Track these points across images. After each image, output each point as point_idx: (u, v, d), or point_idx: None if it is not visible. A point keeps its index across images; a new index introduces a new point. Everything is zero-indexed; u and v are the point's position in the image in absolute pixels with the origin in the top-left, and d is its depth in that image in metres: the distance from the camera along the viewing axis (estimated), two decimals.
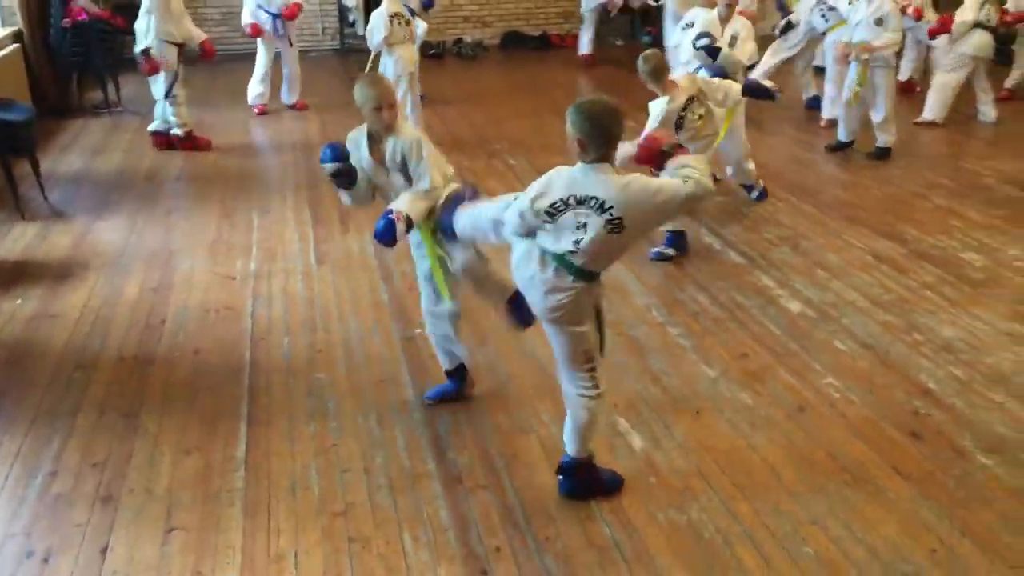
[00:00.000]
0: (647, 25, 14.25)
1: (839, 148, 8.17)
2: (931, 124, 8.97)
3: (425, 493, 3.66)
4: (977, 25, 8.70)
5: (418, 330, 5.02)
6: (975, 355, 4.65)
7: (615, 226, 3.20)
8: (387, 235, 3.82)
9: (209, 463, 3.86)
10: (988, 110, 9.09)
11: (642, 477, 3.75)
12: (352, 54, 14.02)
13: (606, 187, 3.19)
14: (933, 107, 9.00)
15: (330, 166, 3.94)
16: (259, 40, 9.70)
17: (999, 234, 6.23)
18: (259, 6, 9.51)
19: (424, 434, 4.07)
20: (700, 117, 5.77)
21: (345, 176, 3.98)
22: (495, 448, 3.95)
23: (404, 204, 3.86)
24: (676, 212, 3.63)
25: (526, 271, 3.39)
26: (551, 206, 3.25)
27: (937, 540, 3.34)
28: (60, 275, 5.80)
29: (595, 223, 3.20)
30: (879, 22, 7.58)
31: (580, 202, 3.21)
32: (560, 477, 3.64)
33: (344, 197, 4.17)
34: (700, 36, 6.73)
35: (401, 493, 3.66)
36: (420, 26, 9.21)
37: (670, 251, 5.90)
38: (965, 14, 8.71)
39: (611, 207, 3.18)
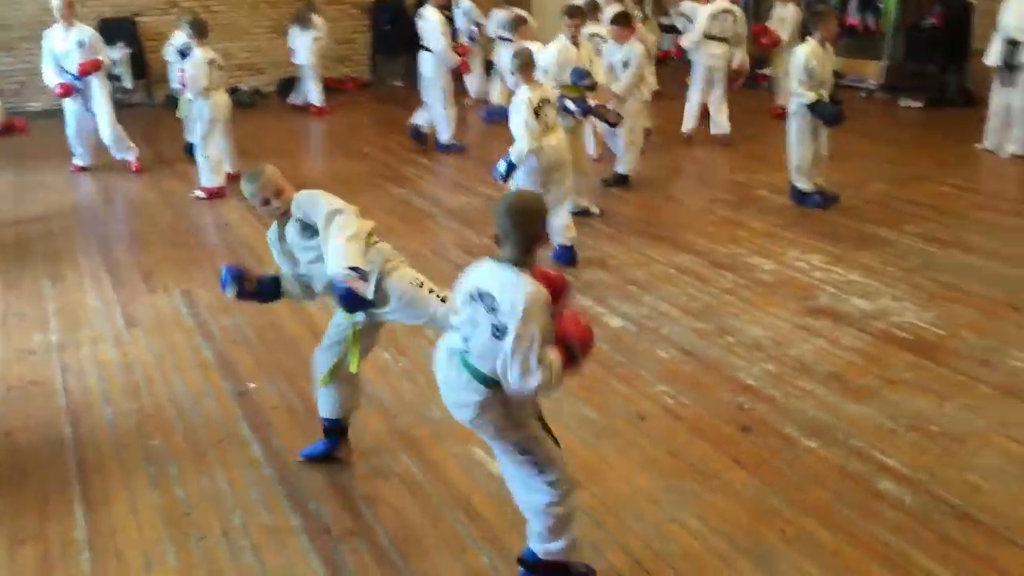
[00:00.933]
0: None
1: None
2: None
3: (293, 549, 3.56)
4: (711, 37, 9.48)
5: (252, 384, 4.90)
6: (780, 350, 5.08)
7: (498, 332, 2.90)
8: (353, 302, 3.55)
9: (48, 550, 3.57)
10: (722, 121, 9.77)
11: (507, 502, 3.80)
12: (120, 109, 13.36)
13: (503, 289, 2.89)
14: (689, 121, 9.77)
15: (230, 292, 3.81)
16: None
17: (779, 239, 6.83)
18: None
19: (280, 489, 3.96)
20: (547, 117, 6.15)
21: (256, 295, 3.88)
22: (357, 494, 3.90)
23: (338, 259, 3.53)
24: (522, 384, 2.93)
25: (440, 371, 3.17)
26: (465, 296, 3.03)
27: (784, 521, 3.63)
28: None
29: (484, 323, 2.95)
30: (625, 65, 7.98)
31: (480, 297, 2.96)
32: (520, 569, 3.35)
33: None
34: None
35: (267, 552, 3.54)
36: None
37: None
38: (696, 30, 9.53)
39: (501, 311, 2.89)
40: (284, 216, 3.79)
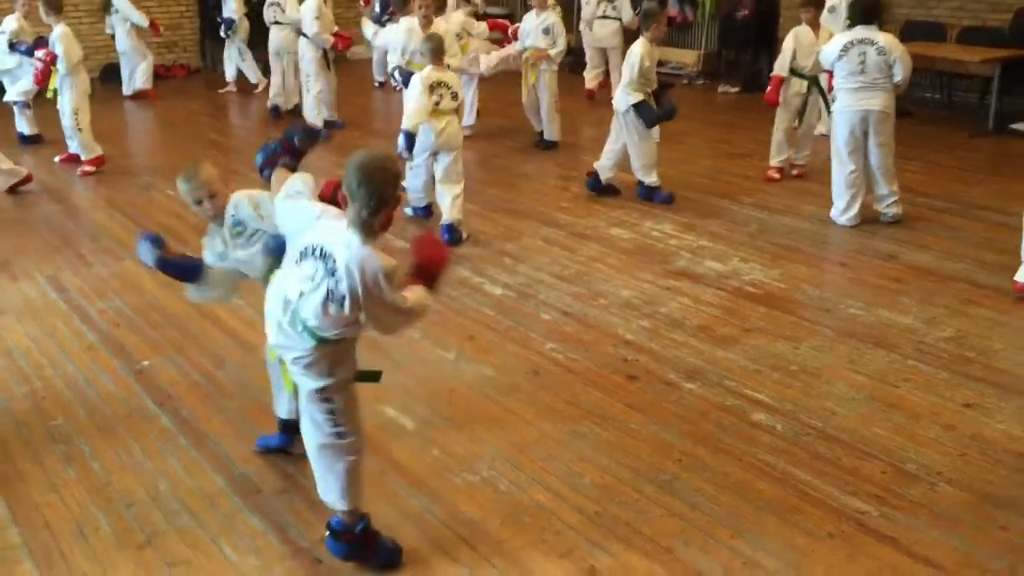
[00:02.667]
0: None
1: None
2: None
3: (227, 508, 3.66)
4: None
5: (146, 362, 4.88)
6: (651, 308, 5.54)
7: (332, 299, 2.93)
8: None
9: None
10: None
11: (426, 452, 4.06)
12: None
13: (348, 257, 2.87)
14: None
15: (149, 257, 3.70)
16: None
17: (631, 211, 7.33)
18: None
19: (199, 456, 4.02)
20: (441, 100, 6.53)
21: (176, 267, 3.80)
22: (279, 457, 4.01)
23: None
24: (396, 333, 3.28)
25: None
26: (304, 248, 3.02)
27: (679, 452, 4.05)
28: None
29: (321, 285, 2.93)
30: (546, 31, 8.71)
31: (322, 255, 2.94)
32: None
33: (194, 292, 3.88)
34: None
35: (203, 513, 3.62)
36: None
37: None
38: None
39: (340, 279, 2.88)
40: (216, 218, 3.70)
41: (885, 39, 6.58)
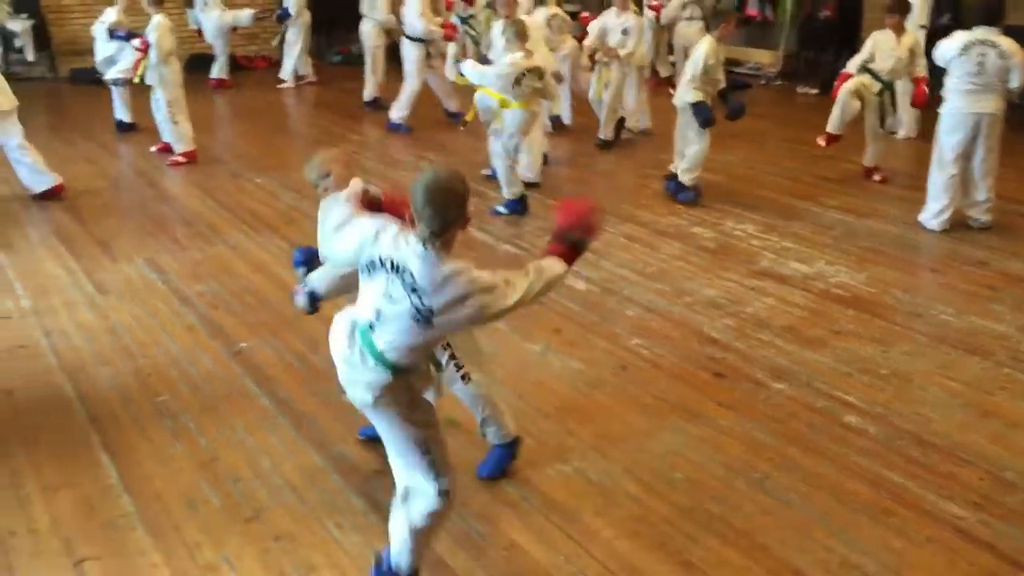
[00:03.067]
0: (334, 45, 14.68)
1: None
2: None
3: (328, 486, 3.77)
4: None
5: (244, 344, 5.02)
6: (736, 308, 5.54)
7: (420, 316, 2.70)
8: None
9: (86, 495, 3.67)
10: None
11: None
12: (21, 83, 12.90)
13: (424, 270, 2.68)
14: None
15: (301, 272, 3.66)
16: None
17: (711, 211, 7.32)
18: None
19: (298, 435, 4.14)
20: (533, 89, 6.68)
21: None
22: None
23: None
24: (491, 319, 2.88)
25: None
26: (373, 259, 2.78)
27: (772, 451, 4.05)
28: None
29: (403, 302, 2.71)
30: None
31: (395, 268, 2.72)
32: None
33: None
34: None
35: (305, 490, 3.73)
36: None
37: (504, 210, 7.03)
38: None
39: (424, 292, 2.67)
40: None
41: (1007, 43, 6.43)
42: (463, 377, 3.67)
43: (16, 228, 6.78)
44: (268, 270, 6.05)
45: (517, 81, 6.63)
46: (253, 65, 14.12)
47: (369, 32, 10.85)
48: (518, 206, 7.19)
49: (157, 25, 8.19)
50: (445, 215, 2.66)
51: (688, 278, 5.99)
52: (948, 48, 6.58)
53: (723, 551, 3.40)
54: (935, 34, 8.07)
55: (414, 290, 2.68)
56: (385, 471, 3.83)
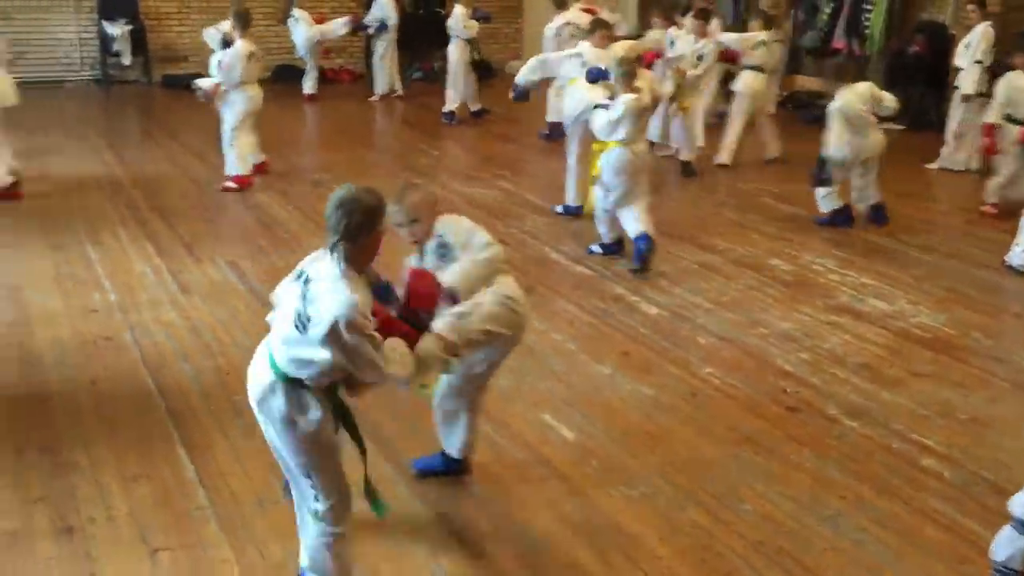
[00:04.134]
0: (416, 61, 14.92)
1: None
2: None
3: (397, 494, 3.80)
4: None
5: None
6: (812, 342, 5.45)
7: (300, 323, 2.79)
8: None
9: (164, 487, 3.78)
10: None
11: (584, 462, 4.12)
12: (116, 86, 13.40)
13: (325, 286, 2.79)
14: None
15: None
16: None
17: (791, 243, 7.24)
18: None
19: (368, 443, 4.17)
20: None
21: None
22: (438, 449, 4.15)
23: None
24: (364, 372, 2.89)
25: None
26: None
27: (843, 488, 3.98)
28: None
29: (291, 307, 2.86)
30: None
31: (303, 278, 2.88)
32: None
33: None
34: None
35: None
36: None
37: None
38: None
39: (311, 303, 2.77)
40: (417, 243, 3.61)
41: None
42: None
43: (107, 226, 7.02)
44: None
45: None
46: (339, 78, 14.40)
47: (452, 48, 11.13)
48: (614, 249, 6.80)
49: (235, 53, 8.12)
50: (349, 221, 2.77)
51: (763, 310, 5.92)
52: None
53: None
54: None
55: (304, 295, 2.79)
56: (453, 484, 3.89)
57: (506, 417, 4.46)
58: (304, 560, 3.13)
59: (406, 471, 3.97)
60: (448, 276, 3.40)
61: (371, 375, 2.86)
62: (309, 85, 12.66)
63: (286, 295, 2.93)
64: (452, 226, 3.57)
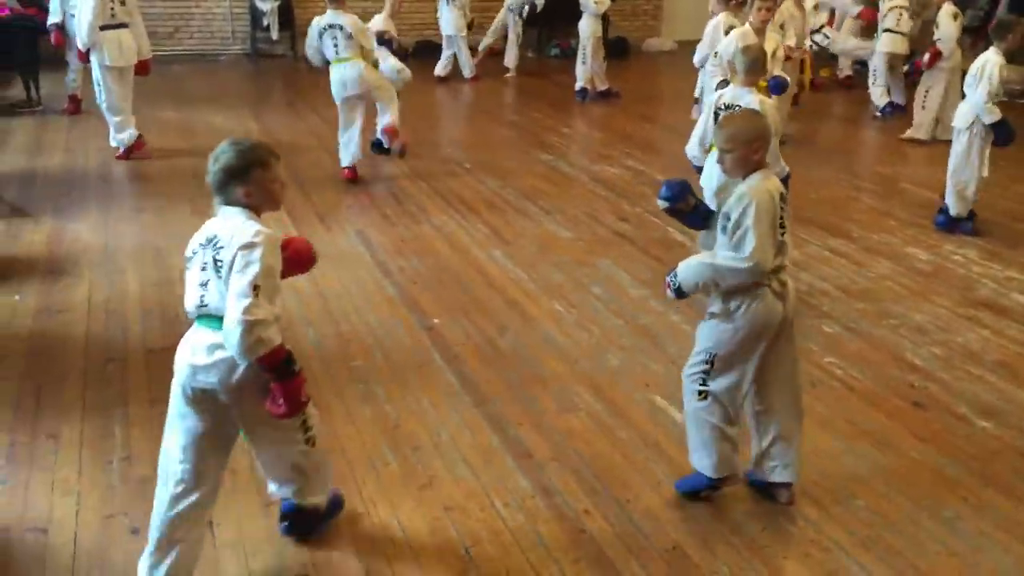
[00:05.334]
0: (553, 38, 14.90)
1: None
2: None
3: (501, 466, 3.86)
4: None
5: (436, 320, 5.22)
6: (946, 336, 5.20)
7: (219, 266, 2.81)
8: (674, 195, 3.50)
9: None
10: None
11: None
12: (264, 59, 13.94)
13: (231, 228, 2.85)
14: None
15: (663, 202, 3.57)
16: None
17: (931, 233, 6.90)
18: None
19: (478, 414, 4.27)
20: None
21: (685, 216, 3.61)
22: (550, 426, 4.18)
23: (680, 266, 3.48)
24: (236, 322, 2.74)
25: None
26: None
27: (966, 490, 3.80)
28: (49, 272, 5.68)
29: (211, 265, 2.84)
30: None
31: (208, 242, 2.87)
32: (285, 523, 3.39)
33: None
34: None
35: (479, 467, 3.85)
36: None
37: None
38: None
39: (224, 247, 2.80)
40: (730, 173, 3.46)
41: None
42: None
43: None
44: (467, 252, 6.25)
45: None
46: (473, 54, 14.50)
47: (584, 24, 11.06)
48: None
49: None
50: (229, 165, 2.91)
51: (895, 300, 5.68)
52: None
53: None
54: None
55: (217, 247, 2.83)
56: (557, 459, 3.91)
57: (615, 396, 4.45)
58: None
59: (512, 444, 4.02)
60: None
61: (239, 316, 2.72)
62: (469, 68, 12.67)
63: (197, 268, 2.92)
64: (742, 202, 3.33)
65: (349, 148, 7.71)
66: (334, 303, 5.39)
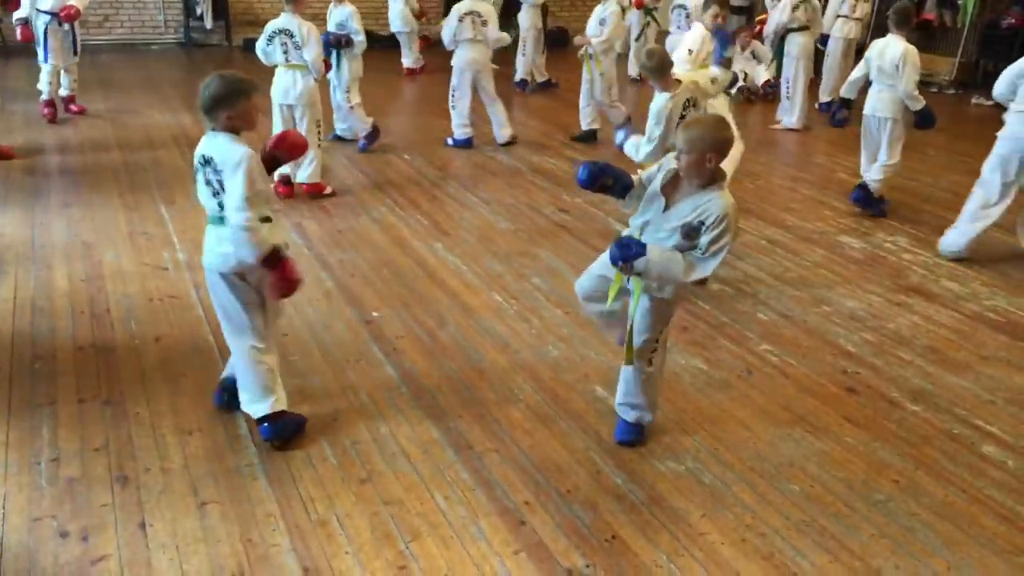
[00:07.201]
0: None
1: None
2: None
3: (440, 459, 3.84)
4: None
5: (375, 313, 5.17)
6: (877, 322, 5.31)
7: (220, 183, 3.55)
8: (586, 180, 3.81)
9: (216, 442, 3.87)
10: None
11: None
12: (197, 49, 13.68)
13: (221, 152, 3.53)
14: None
15: (584, 180, 3.82)
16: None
17: (865, 220, 7.03)
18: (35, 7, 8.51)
19: (417, 407, 4.24)
20: None
21: (604, 190, 3.84)
22: (490, 417, 4.17)
23: (655, 254, 3.56)
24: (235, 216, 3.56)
25: None
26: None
27: (897, 473, 3.88)
28: None
29: (214, 183, 3.59)
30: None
31: (206, 162, 3.59)
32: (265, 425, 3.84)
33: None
34: None
35: (417, 460, 3.82)
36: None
37: None
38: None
39: (220, 171, 3.54)
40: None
41: None
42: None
43: (180, 186, 7.17)
44: (406, 244, 6.21)
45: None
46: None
47: (523, 16, 11.09)
48: None
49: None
50: (217, 94, 3.53)
51: (829, 287, 5.78)
52: None
53: (833, 570, 3.28)
54: None
55: (216, 171, 3.56)
56: (497, 450, 3.90)
57: (556, 387, 4.45)
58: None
59: (452, 436, 4.00)
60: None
61: (236, 210, 3.53)
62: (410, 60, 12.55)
63: (202, 182, 3.64)
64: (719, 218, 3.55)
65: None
66: None
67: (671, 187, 3.64)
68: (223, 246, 3.65)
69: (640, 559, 3.30)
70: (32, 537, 3.26)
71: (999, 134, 6.20)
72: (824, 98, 10.85)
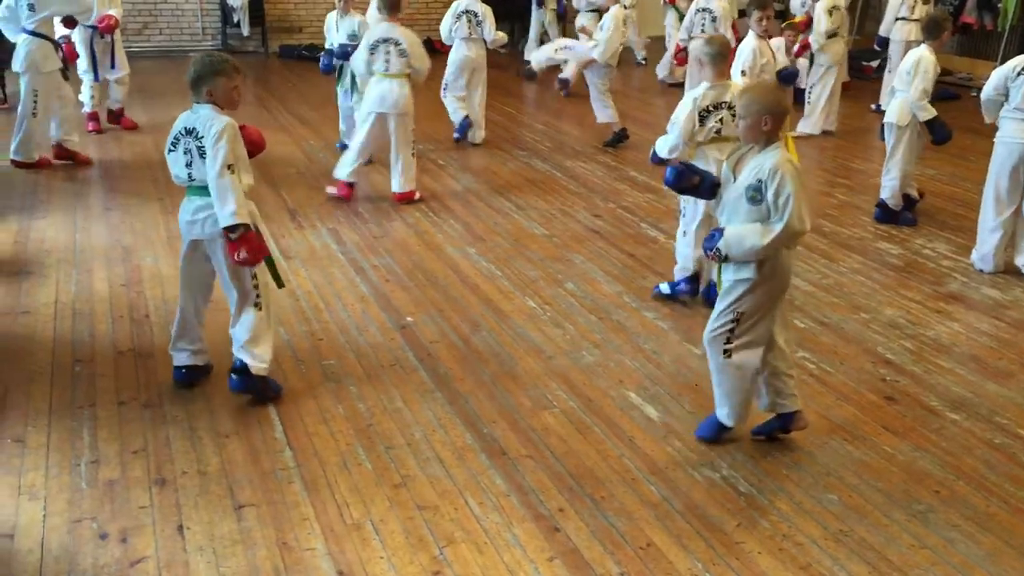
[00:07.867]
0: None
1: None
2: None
3: (475, 464, 3.84)
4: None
5: (410, 318, 5.19)
6: (916, 330, 5.24)
7: (202, 152, 3.88)
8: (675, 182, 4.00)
9: (252, 445, 3.90)
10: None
11: (667, 441, 4.07)
12: (235, 55, 13.80)
13: (203, 122, 3.91)
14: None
15: (671, 188, 4.10)
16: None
17: (904, 228, 6.94)
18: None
19: (452, 412, 4.24)
20: (722, 122, 5.07)
21: (695, 190, 4.02)
22: (525, 424, 4.16)
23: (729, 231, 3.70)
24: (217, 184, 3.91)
25: None
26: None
27: (937, 483, 3.82)
28: (15, 272, 5.60)
29: (195, 151, 3.92)
30: None
31: (187, 132, 3.94)
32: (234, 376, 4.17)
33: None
34: None
35: (452, 465, 3.82)
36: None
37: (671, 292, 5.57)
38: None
39: (202, 137, 3.87)
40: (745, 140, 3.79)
41: None
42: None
43: None
44: (440, 249, 6.23)
45: (702, 119, 5.10)
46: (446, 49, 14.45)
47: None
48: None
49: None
50: (199, 71, 3.94)
51: (867, 294, 5.71)
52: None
53: None
54: None
55: (198, 138, 3.91)
56: (531, 456, 3.90)
57: (590, 393, 4.44)
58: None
59: (486, 442, 4.00)
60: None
61: (218, 183, 3.89)
62: None
63: (181, 152, 3.98)
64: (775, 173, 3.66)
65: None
66: (305, 302, 5.34)
67: (739, 166, 3.82)
68: (191, 214, 4.02)
69: (675, 567, 3.28)
70: (72, 538, 3.31)
71: (996, 138, 6.10)
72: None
